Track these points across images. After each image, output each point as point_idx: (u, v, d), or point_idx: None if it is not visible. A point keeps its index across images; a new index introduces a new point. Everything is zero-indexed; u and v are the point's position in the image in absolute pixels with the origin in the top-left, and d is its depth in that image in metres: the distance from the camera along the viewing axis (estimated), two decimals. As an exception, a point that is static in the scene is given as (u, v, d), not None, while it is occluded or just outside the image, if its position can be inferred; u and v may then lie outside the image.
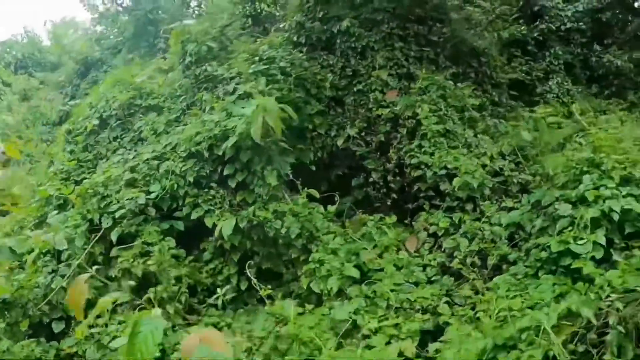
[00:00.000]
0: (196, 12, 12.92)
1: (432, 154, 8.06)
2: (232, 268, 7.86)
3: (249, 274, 7.25)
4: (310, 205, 7.50)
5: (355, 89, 9.38)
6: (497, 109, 9.78)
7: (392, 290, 6.64)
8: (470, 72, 10.17)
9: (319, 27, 9.93)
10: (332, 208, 7.65)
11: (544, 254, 6.00)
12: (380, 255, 7.32)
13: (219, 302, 7.30)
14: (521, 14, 14.29)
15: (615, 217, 5.87)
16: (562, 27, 13.60)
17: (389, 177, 8.43)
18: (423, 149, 8.18)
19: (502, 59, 10.67)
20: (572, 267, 5.68)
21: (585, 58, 14.44)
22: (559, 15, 13.76)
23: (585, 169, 6.48)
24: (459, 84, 9.33)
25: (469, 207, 7.51)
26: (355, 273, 6.66)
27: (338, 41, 9.74)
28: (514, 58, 13.45)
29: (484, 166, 7.85)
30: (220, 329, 7.11)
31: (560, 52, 13.46)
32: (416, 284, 6.88)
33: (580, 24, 13.69)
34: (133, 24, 12.43)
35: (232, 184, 7.80)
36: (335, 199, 7.91)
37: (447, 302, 6.44)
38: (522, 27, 13.69)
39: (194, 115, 8.63)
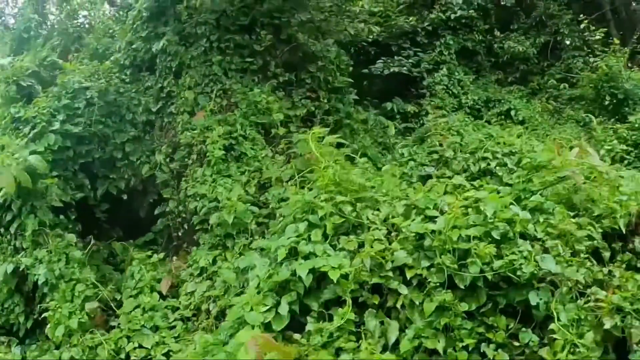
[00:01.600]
0: (85, 24, 11.66)
1: (211, 183, 6.73)
2: (20, 307, 7.02)
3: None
4: (66, 250, 6.43)
5: (168, 112, 8.03)
6: (327, 119, 8.17)
7: (127, 337, 5.59)
8: (306, 78, 8.51)
9: (143, 46, 8.59)
10: (78, 254, 6.49)
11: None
12: (136, 297, 6.23)
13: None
14: (415, 3, 12.36)
15: (307, 281, 4.19)
16: (452, 16, 11.52)
17: (180, 207, 7.17)
18: (204, 178, 6.83)
19: (346, 59, 8.90)
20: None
21: (489, 45, 12.33)
22: (451, 3, 11.68)
23: (299, 215, 4.74)
24: (278, 94, 7.83)
25: (230, 243, 6.18)
26: (74, 323, 5.60)
27: (158, 61, 8.36)
28: (402, 50, 11.64)
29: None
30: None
31: (451, 42, 11.43)
32: (156, 328, 5.74)
33: (471, 11, 11.54)
34: (9, 43, 10.85)
35: (12, 229, 6.84)
36: (90, 240, 6.81)
37: (167, 353, 5.30)
38: (411, 18, 11.78)
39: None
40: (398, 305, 4.15)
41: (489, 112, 11.02)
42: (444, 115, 10.43)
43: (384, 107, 10.75)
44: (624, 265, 4.43)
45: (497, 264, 4.03)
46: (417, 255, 4.31)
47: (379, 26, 11.58)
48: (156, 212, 7.57)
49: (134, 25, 8.86)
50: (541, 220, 4.55)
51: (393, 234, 4.50)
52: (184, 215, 7.05)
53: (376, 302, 4.17)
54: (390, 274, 4.20)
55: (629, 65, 11.50)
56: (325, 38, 9.34)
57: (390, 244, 4.40)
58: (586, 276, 4.19)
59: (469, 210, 4.51)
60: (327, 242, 4.53)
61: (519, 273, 4.00)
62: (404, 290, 4.15)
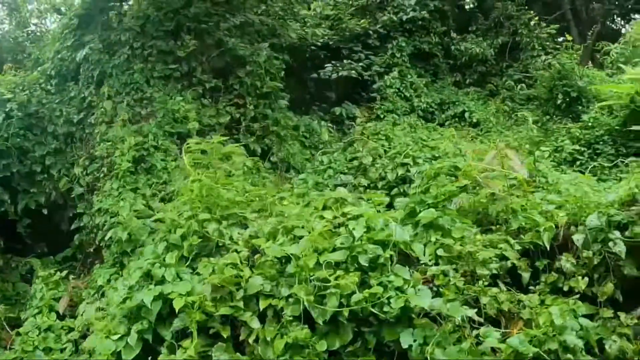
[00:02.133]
0: (37, 33, 11.39)
1: (116, 197, 6.39)
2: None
3: None
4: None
5: (88, 122, 7.70)
6: (252, 126, 7.77)
7: (20, 359, 5.29)
8: (235, 83, 8.07)
9: (69, 55, 8.27)
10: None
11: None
12: (36, 316, 5.91)
13: None
14: (369, 6, 11.91)
15: (155, 308, 3.77)
16: (404, 17, 11.02)
17: (92, 222, 6.83)
18: (111, 192, 6.49)
19: (278, 63, 8.48)
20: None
21: (447, 47, 11.86)
22: (403, 5, 11.21)
23: (162, 234, 4.35)
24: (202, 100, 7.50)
25: (126, 261, 5.81)
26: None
27: (81, 70, 8.06)
28: (353, 54, 11.20)
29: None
30: None
31: (403, 44, 10.97)
32: (50, 350, 5.37)
33: (423, 12, 11.00)
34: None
35: None
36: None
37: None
38: (363, 21, 11.34)
39: None
40: (251, 340, 3.66)
41: (443, 115, 10.57)
42: (393, 118, 10.05)
43: (332, 112, 10.35)
44: (548, 288, 3.80)
45: (355, 297, 3.44)
46: (277, 282, 3.84)
47: (330, 29, 11.17)
48: (72, 227, 7.22)
49: (63, 34, 8.56)
50: (433, 239, 3.95)
51: (256, 256, 4.08)
52: (95, 231, 6.72)
53: (225, 335, 3.74)
54: (241, 304, 3.74)
55: (589, 64, 10.99)
56: (266, 41, 8.98)
57: (251, 267, 4.00)
58: (489, 306, 3.55)
59: (341, 229, 4.08)
60: (187, 264, 4.15)
61: (386, 309, 3.41)
62: (254, 323, 3.66)
